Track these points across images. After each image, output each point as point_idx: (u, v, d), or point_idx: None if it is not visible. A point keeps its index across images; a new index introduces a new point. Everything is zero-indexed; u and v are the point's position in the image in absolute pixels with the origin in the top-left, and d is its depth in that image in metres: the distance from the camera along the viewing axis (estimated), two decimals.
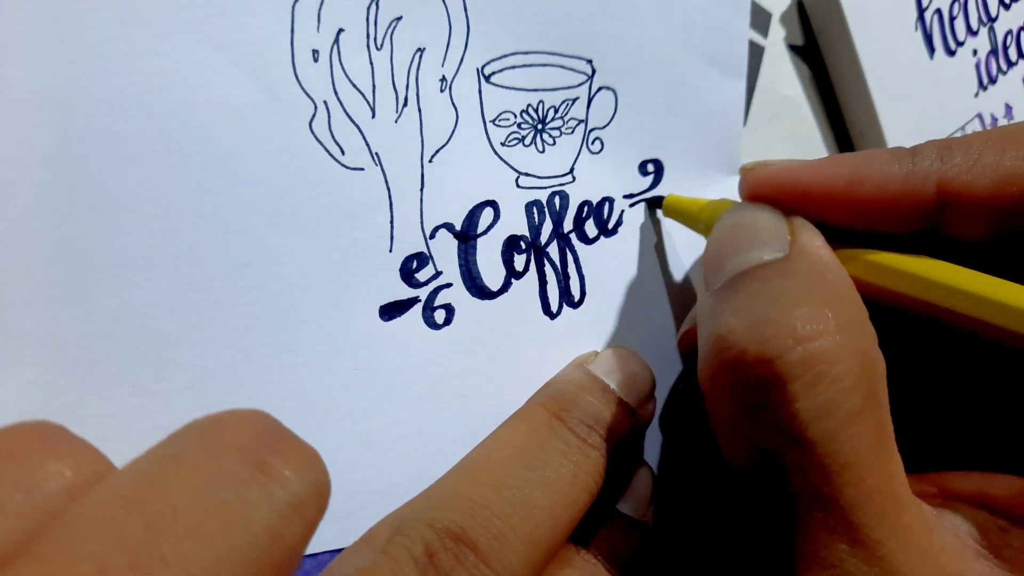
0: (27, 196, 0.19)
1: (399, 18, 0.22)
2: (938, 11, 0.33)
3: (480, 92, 0.24)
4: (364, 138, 0.22)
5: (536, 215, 0.25)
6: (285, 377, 0.21)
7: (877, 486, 0.16)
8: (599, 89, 0.25)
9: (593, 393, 0.21)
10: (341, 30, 0.22)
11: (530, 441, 0.19)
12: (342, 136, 0.22)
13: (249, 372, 0.21)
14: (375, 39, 0.22)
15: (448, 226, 0.24)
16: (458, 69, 0.23)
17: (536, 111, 0.25)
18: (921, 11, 0.32)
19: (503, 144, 0.24)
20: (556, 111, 0.25)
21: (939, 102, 0.33)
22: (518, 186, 0.25)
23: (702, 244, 0.22)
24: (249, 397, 0.21)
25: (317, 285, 0.22)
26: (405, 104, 0.23)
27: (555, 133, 0.25)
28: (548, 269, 0.25)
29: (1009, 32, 0.35)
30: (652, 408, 0.23)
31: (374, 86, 0.22)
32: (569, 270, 0.25)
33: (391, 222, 0.23)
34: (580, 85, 0.25)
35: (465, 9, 0.23)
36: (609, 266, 0.26)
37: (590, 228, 0.26)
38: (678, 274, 0.27)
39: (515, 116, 0.24)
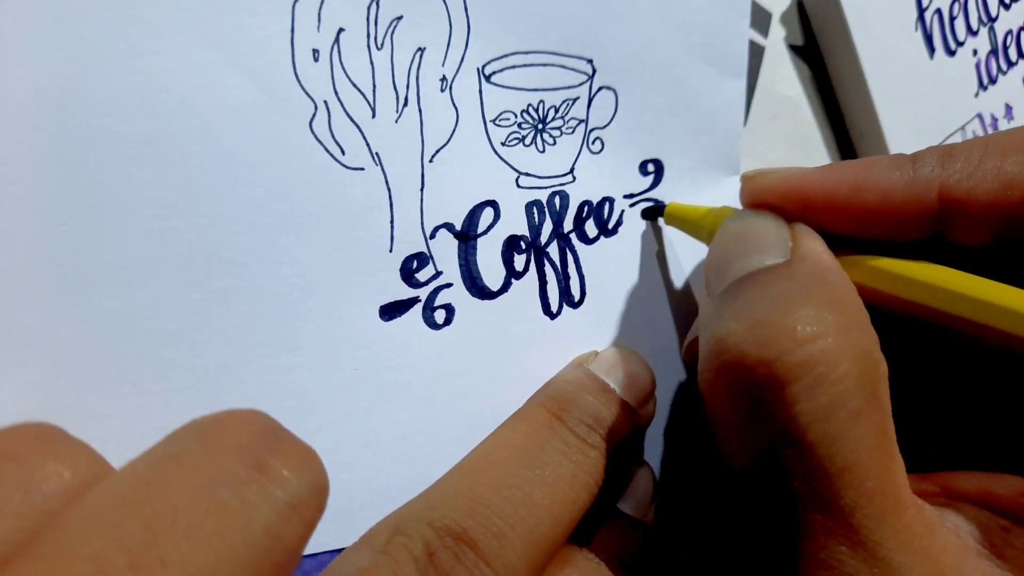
0: (27, 196, 0.19)
1: (399, 18, 0.22)
2: (938, 11, 0.33)
3: (480, 92, 0.24)
4: (364, 138, 0.22)
5: (536, 215, 0.25)
6: (285, 377, 0.21)
7: (877, 487, 0.16)
8: (599, 89, 0.25)
9: (593, 393, 0.21)
10: (341, 30, 0.22)
11: (530, 441, 0.19)
12: (342, 136, 0.22)
13: (249, 372, 0.21)
14: (375, 39, 0.22)
15: (448, 226, 0.23)
16: (458, 69, 0.23)
17: (536, 111, 0.25)
18: (921, 11, 0.32)
19: (503, 144, 0.24)
20: (556, 111, 0.25)
21: (939, 102, 0.33)
22: (518, 186, 0.25)
23: (703, 252, 0.22)
24: (249, 397, 0.21)
25: (317, 285, 0.22)
26: (405, 104, 0.23)
27: (555, 133, 0.25)
28: (548, 269, 0.25)
29: (1009, 32, 0.35)
30: (652, 407, 0.23)
31: (374, 86, 0.22)
32: (569, 270, 0.25)
33: (391, 222, 0.23)
34: (580, 85, 0.25)
35: (465, 9, 0.23)
36: (609, 266, 0.26)
37: (590, 228, 0.26)
38: (679, 281, 0.27)
39: (515, 116, 0.24)
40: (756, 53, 0.30)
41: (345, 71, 0.22)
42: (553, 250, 0.25)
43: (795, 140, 0.31)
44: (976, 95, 0.34)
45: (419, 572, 0.16)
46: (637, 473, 0.24)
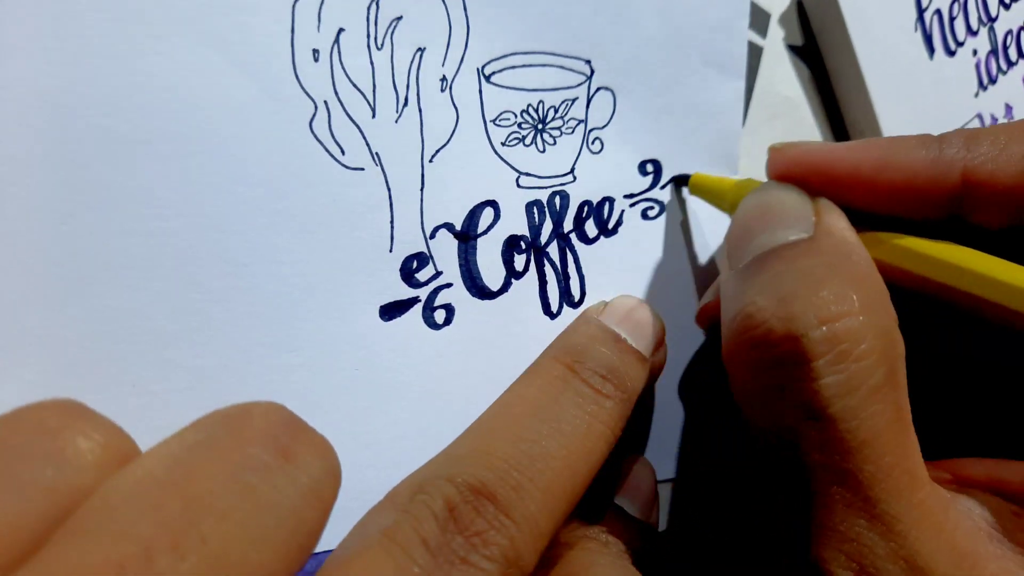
0: (27, 196, 0.19)
1: (399, 18, 0.22)
2: (938, 11, 0.33)
3: (480, 92, 0.24)
4: (364, 138, 0.22)
5: (536, 215, 0.25)
6: (285, 377, 0.21)
7: (895, 463, 0.16)
8: (598, 89, 0.26)
9: (605, 344, 0.21)
10: (341, 30, 0.22)
11: (544, 394, 0.20)
12: (342, 136, 0.22)
13: (249, 372, 0.21)
14: (375, 39, 0.22)
15: (448, 226, 0.23)
16: (458, 69, 0.24)
17: (536, 111, 0.25)
18: (921, 11, 0.32)
19: (503, 144, 0.24)
20: (556, 111, 0.25)
21: (939, 102, 0.33)
22: (519, 186, 0.25)
23: (727, 224, 0.22)
24: (249, 397, 0.21)
25: (317, 285, 0.22)
26: (405, 104, 0.23)
27: (555, 133, 0.25)
28: (548, 269, 0.25)
29: (1009, 32, 0.35)
30: (663, 355, 0.23)
31: (374, 86, 0.22)
32: (569, 270, 0.25)
33: (391, 222, 0.23)
34: (579, 85, 0.25)
35: (465, 9, 0.23)
36: (609, 266, 0.26)
37: (590, 228, 0.26)
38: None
39: (515, 116, 0.24)
40: (755, 53, 0.30)
41: (345, 71, 0.22)
42: (553, 250, 0.25)
43: (794, 140, 0.31)
44: (976, 95, 0.34)
45: (440, 527, 0.16)
46: (635, 468, 0.24)
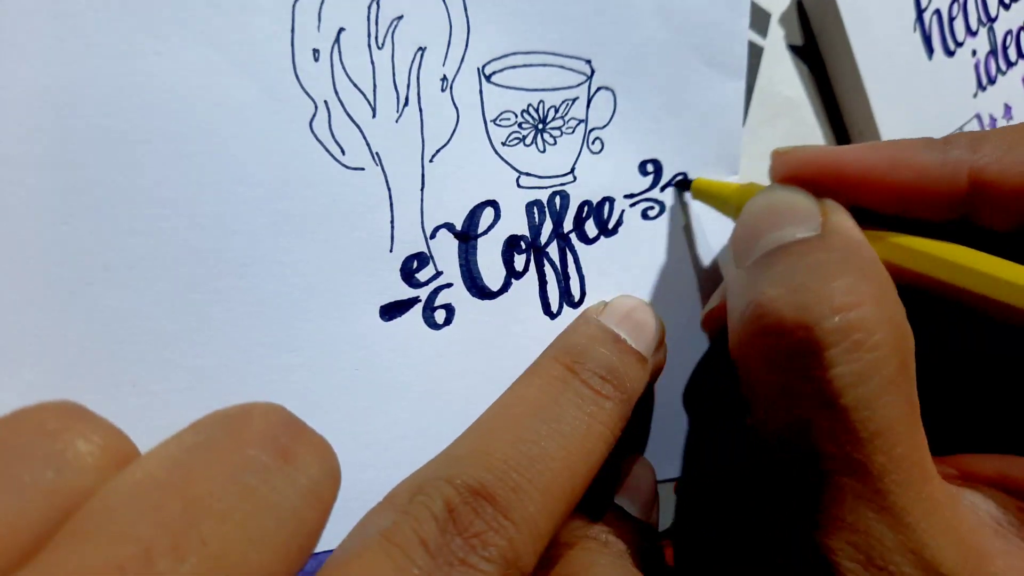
0: (27, 196, 0.18)
1: (400, 17, 0.22)
2: (937, 11, 0.33)
3: (481, 92, 0.24)
4: (364, 138, 0.22)
5: (536, 215, 0.25)
6: (285, 377, 0.21)
7: (906, 455, 0.16)
8: (598, 89, 0.26)
9: (605, 344, 0.21)
10: (342, 29, 0.22)
11: (544, 395, 0.20)
12: (342, 136, 0.22)
13: (249, 372, 0.21)
14: (376, 38, 0.22)
15: (449, 226, 0.23)
16: (459, 68, 0.23)
17: (537, 111, 0.25)
18: (920, 12, 0.32)
19: (504, 144, 0.24)
20: (556, 111, 0.25)
21: (937, 103, 0.33)
22: (519, 186, 0.25)
23: (729, 227, 0.22)
24: (249, 397, 0.21)
25: (317, 285, 0.22)
26: (406, 104, 0.23)
27: (556, 133, 0.25)
28: (548, 269, 0.25)
29: (1009, 32, 0.35)
30: (663, 356, 0.23)
31: (375, 85, 0.22)
32: (569, 270, 0.25)
33: (391, 222, 0.23)
34: (579, 85, 0.25)
35: (465, 9, 0.23)
36: (609, 266, 0.26)
37: (590, 228, 0.26)
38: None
39: (516, 116, 0.24)
40: (755, 53, 0.30)
41: (345, 71, 0.22)
42: (553, 250, 0.25)
43: (794, 140, 0.31)
44: (975, 95, 0.34)
45: (439, 529, 0.16)
46: (635, 468, 0.24)
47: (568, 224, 0.25)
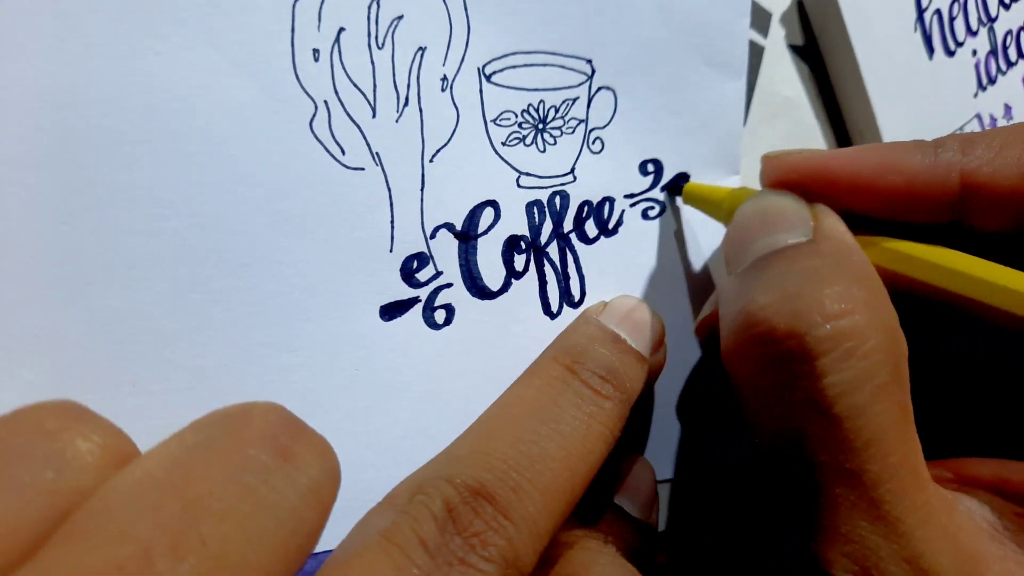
0: (27, 196, 0.18)
1: (400, 17, 0.22)
2: (937, 11, 0.33)
3: (481, 91, 0.24)
4: (364, 138, 0.22)
5: (536, 215, 0.25)
6: (285, 377, 0.21)
7: (900, 462, 0.16)
8: (599, 89, 0.26)
9: (604, 344, 0.21)
10: (342, 29, 0.22)
11: (543, 395, 0.20)
12: (342, 136, 0.22)
13: (249, 372, 0.21)
14: (376, 38, 0.22)
15: (449, 226, 0.23)
16: (459, 68, 0.23)
17: (537, 111, 0.25)
18: (920, 11, 0.32)
19: (504, 144, 0.24)
20: (557, 111, 0.25)
21: (938, 102, 0.33)
22: (519, 186, 0.25)
23: (722, 233, 0.22)
24: (249, 397, 0.21)
25: (317, 285, 0.22)
26: (406, 103, 0.23)
27: (556, 133, 0.25)
28: (548, 269, 0.25)
29: (1009, 32, 0.35)
30: (663, 356, 0.23)
31: (375, 85, 0.22)
32: (569, 270, 0.25)
33: (391, 222, 0.23)
34: (580, 85, 0.25)
35: (465, 8, 0.23)
36: (609, 266, 0.26)
37: (590, 228, 0.26)
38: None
39: (516, 116, 0.24)
40: (756, 53, 0.30)
41: (345, 71, 0.22)
42: (553, 250, 0.25)
43: (795, 140, 0.31)
44: (975, 95, 0.34)
45: (439, 528, 0.16)
46: (635, 468, 0.24)
47: (568, 224, 0.25)
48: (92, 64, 0.19)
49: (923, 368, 0.19)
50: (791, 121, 0.31)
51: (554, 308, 0.25)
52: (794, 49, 0.31)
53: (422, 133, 0.23)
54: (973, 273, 0.18)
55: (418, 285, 0.23)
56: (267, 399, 0.21)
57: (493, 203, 0.24)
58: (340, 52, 0.22)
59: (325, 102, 0.22)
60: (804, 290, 0.17)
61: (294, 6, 0.21)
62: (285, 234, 0.21)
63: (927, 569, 0.16)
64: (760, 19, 0.30)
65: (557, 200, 0.25)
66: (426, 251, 0.23)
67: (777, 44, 0.31)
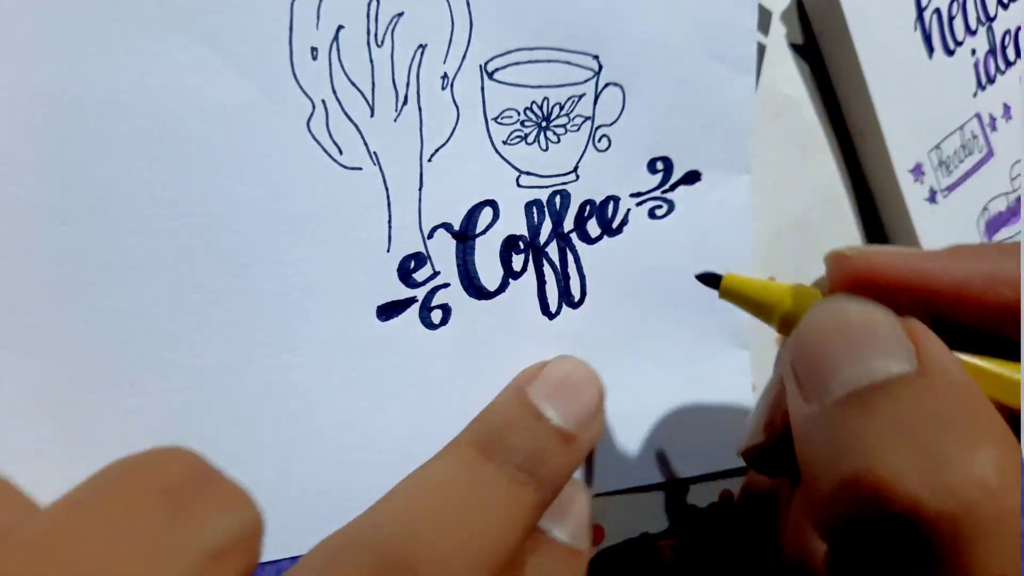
0: (27, 196, 0.18)
1: (400, 14, 0.22)
2: (937, 11, 0.32)
3: (483, 89, 0.24)
4: (362, 137, 0.22)
5: (536, 215, 0.25)
6: (285, 377, 0.21)
7: None
8: (606, 85, 0.25)
9: (526, 426, 0.20)
10: (341, 27, 0.22)
11: (461, 478, 0.19)
12: (340, 135, 0.22)
13: (249, 372, 0.21)
14: (376, 36, 0.22)
15: (447, 226, 0.23)
16: (460, 66, 0.23)
17: (540, 108, 0.24)
18: (920, 11, 0.32)
19: (505, 142, 0.24)
20: (561, 108, 0.25)
21: (938, 102, 0.33)
22: (519, 185, 0.24)
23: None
24: (249, 397, 0.21)
25: (315, 285, 0.22)
26: (405, 102, 0.23)
27: (560, 131, 0.25)
28: (547, 269, 0.25)
29: (1007, 32, 0.35)
30: (597, 428, 0.22)
31: (373, 84, 0.22)
32: (569, 270, 0.25)
33: (389, 222, 0.23)
34: (586, 81, 0.25)
35: (468, 5, 0.23)
36: (612, 266, 0.26)
37: (592, 227, 0.26)
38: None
39: (518, 113, 0.24)
40: (757, 51, 0.30)
41: (344, 69, 0.22)
42: (552, 250, 0.25)
43: (796, 139, 0.31)
44: (975, 95, 0.34)
45: None
46: (569, 493, 0.22)
47: (568, 224, 0.25)
48: (91, 64, 0.19)
49: None
50: (792, 120, 0.31)
51: (552, 308, 0.25)
52: (795, 48, 0.31)
53: (421, 132, 0.23)
54: None
55: (415, 285, 0.23)
56: (266, 399, 0.21)
57: (492, 203, 0.24)
58: (339, 50, 0.22)
59: (323, 101, 0.22)
60: (951, 453, 0.14)
61: (292, 4, 0.21)
62: (283, 234, 0.21)
63: None
64: (761, 17, 0.30)
65: (557, 199, 0.25)
66: (423, 251, 0.23)
67: (778, 43, 0.31)
